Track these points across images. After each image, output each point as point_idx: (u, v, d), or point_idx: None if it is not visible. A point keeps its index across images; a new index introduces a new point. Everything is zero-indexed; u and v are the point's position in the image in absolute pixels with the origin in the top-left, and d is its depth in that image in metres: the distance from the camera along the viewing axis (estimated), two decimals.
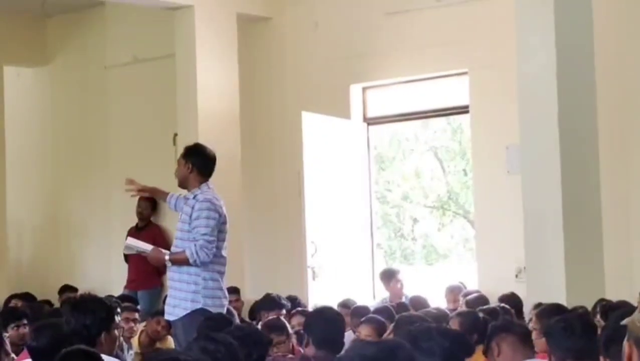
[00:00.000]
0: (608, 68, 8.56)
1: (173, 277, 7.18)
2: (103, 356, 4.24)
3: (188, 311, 7.05)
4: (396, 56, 10.19)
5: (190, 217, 7.08)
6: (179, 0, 10.27)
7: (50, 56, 13.12)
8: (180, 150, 7.72)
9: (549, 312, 5.80)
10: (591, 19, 7.97)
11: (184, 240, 7.10)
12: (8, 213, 12.78)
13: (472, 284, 9.77)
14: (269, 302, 8.46)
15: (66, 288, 11.12)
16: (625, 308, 6.03)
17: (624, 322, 2.82)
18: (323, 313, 5.96)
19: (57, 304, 10.01)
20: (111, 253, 11.96)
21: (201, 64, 10.27)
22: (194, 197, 7.15)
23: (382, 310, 7.54)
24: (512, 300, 8.13)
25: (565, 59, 7.65)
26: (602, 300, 6.82)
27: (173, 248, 7.25)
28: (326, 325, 5.64)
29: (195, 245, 7.00)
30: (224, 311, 7.06)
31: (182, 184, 7.32)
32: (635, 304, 6.15)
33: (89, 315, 4.94)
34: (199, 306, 7.09)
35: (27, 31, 12.94)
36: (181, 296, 7.11)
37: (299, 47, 10.91)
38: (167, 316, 7.28)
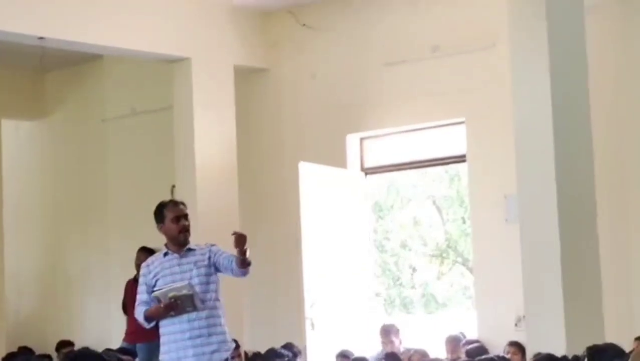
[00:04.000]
0: (604, 117, 8.61)
1: (207, 323, 6.99)
2: None
3: (230, 351, 7.05)
4: (393, 106, 10.24)
5: (209, 258, 7.07)
6: (177, 53, 10.34)
7: (49, 109, 13.18)
8: None
9: None
10: (586, 68, 8.03)
11: (209, 284, 7.08)
12: (6, 266, 12.76)
13: (472, 333, 9.75)
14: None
15: (63, 344, 11.05)
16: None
17: None
18: None
19: (55, 359, 9.97)
20: (110, 305, 11.92)
21: (199, 115, 10.32)
22: (201, 248, 7.14)
23: None
24: None
25: (561, 109, 7.70)
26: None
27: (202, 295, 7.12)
28: None
29: None
30: None
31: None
32: None
33: None
34: (233, 345, 7.14)
35: (26, 85, 13.01)
36: (220, 339, 7.04)
37: (297, 97, 10.97)
38: None
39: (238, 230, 10.21)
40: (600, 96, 8.49)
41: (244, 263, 6.91)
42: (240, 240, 6.80)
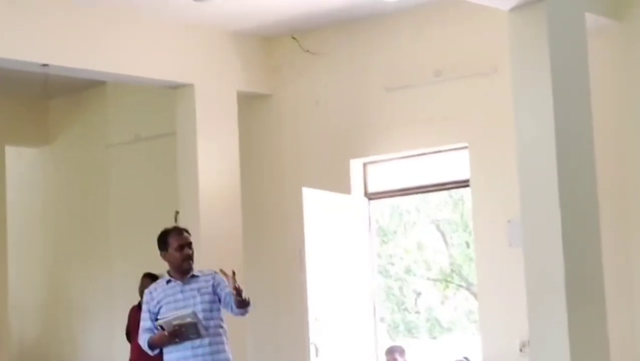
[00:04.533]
0: (607, 141, 8.61)
1: (210, 350, 7.01)
2: None
3: None
4: (396, 131, 10.25)
5: (213, 286, 7.08)
6: (180, 79, 10.36)
7: (52, 136, 13.21)
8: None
9: None
10: (589, 92, 8.05)
11: (212, 311, 7.09)
12: (10, 292, 12.76)
13: (476, 357, 9.72)
14: None
15: None
16: None
17: None
18: None
19: None
20: (113, 331, 11.91)
21: (202, 141, 10.33)
22: (204, 274, 7.16)
23: None
24: None
25: (563, 133, 7.70)
26: None
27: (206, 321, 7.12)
28: None
29: None
30: None
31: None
32: None
33: None
34: None
35: (29, 112, 13.05)
36: None
37: (299, 123, 10.98)
38: None
39: (241, 255, 10.33)
40: (603, 119, 8.49)
41: (242, 303, 6.92)
42: (230, 279, 6.83)
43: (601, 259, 7.94)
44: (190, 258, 7.12)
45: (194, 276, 7.14)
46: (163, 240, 7.19)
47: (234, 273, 6.85)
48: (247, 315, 7.12)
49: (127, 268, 11.70)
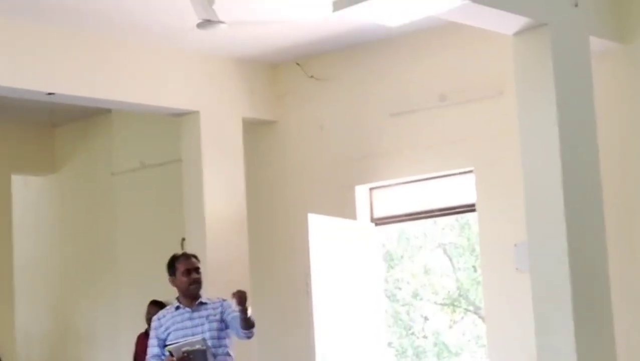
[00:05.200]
0: (612, 163, 8.60)
1: None
2: None
3: None
4: (401, 156, 10.25)
5: (221, 313, 7.13)
6: (185, 107, 10.38)
7: (58, 164, 13.23)
8: None
9: None
10: (594, 114, 8.05)
11: (220, 339, 7.13)
12: (17, 319, 12.75)
13: None
14: None
15: None
16: None
17: None
18: None
19: None
20: (120, 359, 11.89)
21: (208, 168, 10.34)
22: (213, 302, 7.21)
23: None
24: None
25: (569, 156, 7.70)
26: None
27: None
28: None
29: None
30: None
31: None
32: None
33: None
34: None
35: (35, 140, 13.08)
36: None
37: (305, 149, 10.99)
38: None
39: (248, 282, 10.32)
40: (609, 142, 8.49)
41: (246, 323, 6.98)
42: (240, 298, 6.86)
43: (609, 281, 7.93)
44: (197, 282, 7.20)
45: (202, 303, 7.21)
46: (171, 264, 7.30)
47: (240, 293, 6.90)
48: (253, 338, 7.18)
49: (133, 296, 11.70)
